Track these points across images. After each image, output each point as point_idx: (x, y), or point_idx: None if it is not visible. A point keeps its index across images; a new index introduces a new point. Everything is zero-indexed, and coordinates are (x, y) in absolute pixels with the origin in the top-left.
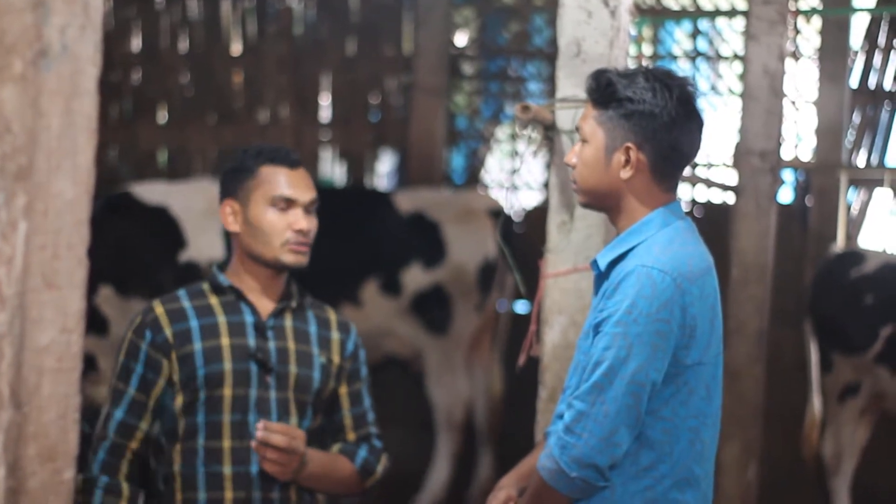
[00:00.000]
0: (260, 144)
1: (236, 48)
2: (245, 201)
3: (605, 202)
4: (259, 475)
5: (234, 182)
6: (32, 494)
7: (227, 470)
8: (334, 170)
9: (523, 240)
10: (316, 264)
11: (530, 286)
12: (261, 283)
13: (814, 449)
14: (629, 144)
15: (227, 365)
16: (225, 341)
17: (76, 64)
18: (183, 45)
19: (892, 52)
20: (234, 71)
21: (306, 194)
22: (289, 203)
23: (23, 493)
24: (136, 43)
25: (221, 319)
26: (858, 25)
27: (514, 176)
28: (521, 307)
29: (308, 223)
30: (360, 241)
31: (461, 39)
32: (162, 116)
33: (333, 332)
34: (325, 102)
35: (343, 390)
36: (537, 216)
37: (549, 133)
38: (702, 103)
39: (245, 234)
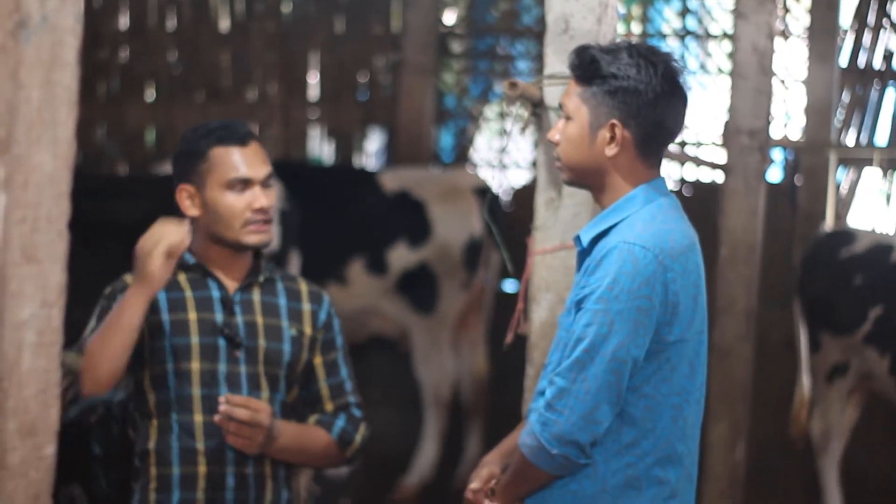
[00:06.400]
0: (208, 124)
1: (224, 26)
2: (200, 185)
3: (589, 179)
4: (232, 451)
5: (187, 166)
6: (12, 470)
7: (200, 445)
8: (322, 148)
9: (511, 218)
10: (302, 243)
11: (518, 264)
12: (226, 262)
13: (802, 429)
14: (614, 121)
15: (195, 339)
16: (192, 316)
17: (56, 35)
18: (171, 22)
19: (882, 30)
20: (221, 49)
21: (261, 170)
22: (245, 183)
23: (3, 468)
24: (123, 21)
25: (188, 294)
26: (848, 4)
27: (503, 154)
28: (508, 286)
29: (267, 199)
30: (345, 220)
31: (450, 17)
32: (149, 95)
33: (304, 303)
34: (313, 81)
35: (318, 361)
36: (525, 194)
37: (537, 110)
38: (686, 79)
39: (205, 217)
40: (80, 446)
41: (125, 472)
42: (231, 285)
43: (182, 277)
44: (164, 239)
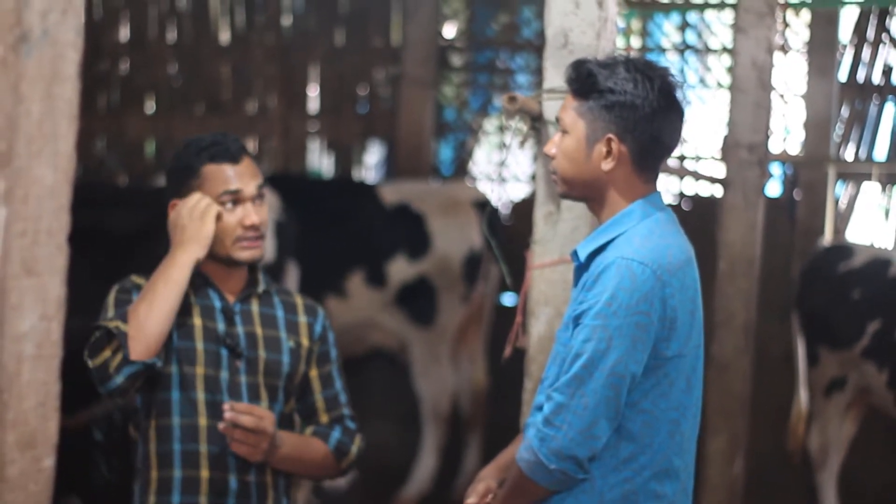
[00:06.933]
0: (200, 139)
1: (224, 38)
2: None
3: (585, 193)
4: (235, 458)
5: (180, 181)
6: (11, 482)
7: (203, 448)
8: (322, 161)
9: (510, 232)
10: (301, 256)
11: (517, 278)
12: (222, 275)
13: (799, 442)
14: (610, 136)
15: (199, 344)
16: (197, 321)
17: (57, 49)
18: (171, 35)
19: (881, 45)
20: (222, 61)
21: (251, 184)
22: (235, 198)
23: (2, 480)
24: (124, 33)
25: (193, 300)
26: (847, 19)
27: (502, 168)
28: (507, 299)
29: (258, 215)
30: (345, 233)
31: (450, 31)
32: (150, 107)
33: (300, 315)
34: (313, 93)
35: (314, 373)
36: (525, 208)
37: (536, 124)
38: (683, 93)
39: None
40: (79, 458)
41: (126, 459)
42: (230, 296)
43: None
44: (213, 205)
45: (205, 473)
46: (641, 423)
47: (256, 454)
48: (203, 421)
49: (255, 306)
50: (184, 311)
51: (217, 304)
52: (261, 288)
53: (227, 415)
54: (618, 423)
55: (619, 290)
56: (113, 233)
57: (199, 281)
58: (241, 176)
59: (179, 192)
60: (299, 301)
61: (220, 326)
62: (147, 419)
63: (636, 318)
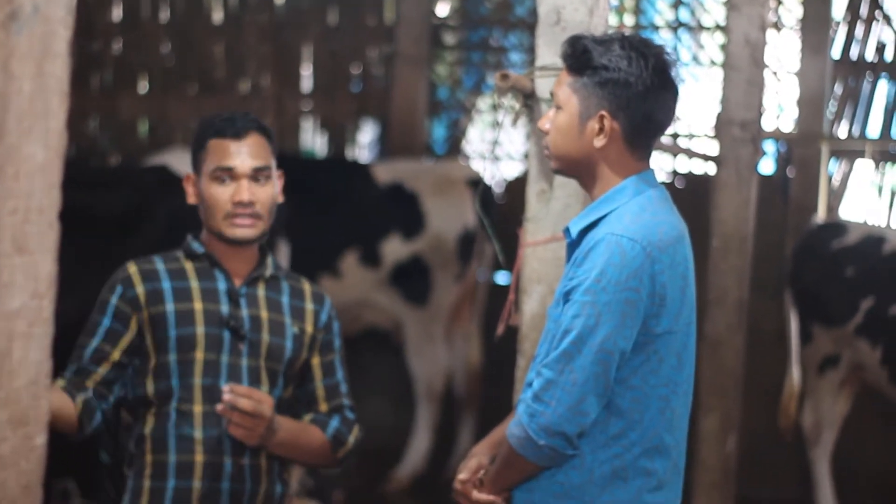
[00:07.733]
0: (213, 116)
1: (217, 18)
2: (199, 175)
3: (577, 169)
4: (230, 441)
5: (193, 155)
6: (3, 460)
7: (198, 434)
8: (315, 140)
9: (504, 210)
10: (295, 235)
11: (510, 256)
12: (228, 255)
13: (791, 420)
14: (603, 112)
15: (200, 329)
16: (198, 306)
17: (48, 26)
18: (164, 14)
19: (874, 22)
20: (215, 41)
21: (247, 163)
22: (229, 174)
23: None
24: (116, 12)
25: (194, 284)
26: None
27: (495, 146)
28: (501, 277)
29: (250, 193)
30: (339, 213)
31: (443, 9)
32: (143, 86)
33: (307, 302)
34: (306, 72)
35: (316, 361)
36: (518, 186)
37: (529, 102)
38: (677, 72)
39: (200, 207)
40: (74, 441)
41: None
42: (237, 278)
43: (189, 266)
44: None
45: (199, 458)
46: (631, 400)
47: (253, 438)
48: (198, 407)
49: (261, 290)
50: (183, 297)
51: (222, 286)
52: (269, 272)
53: (226, 397)
54: (607, 399)
55: (609, 266)
56: (102, 213)
57: (206, 262)
58: (238, 153)
59: (193, 166)
60: (307, 288)
61: (224, 308)
62: (142, 406)
63: (625, 295)
